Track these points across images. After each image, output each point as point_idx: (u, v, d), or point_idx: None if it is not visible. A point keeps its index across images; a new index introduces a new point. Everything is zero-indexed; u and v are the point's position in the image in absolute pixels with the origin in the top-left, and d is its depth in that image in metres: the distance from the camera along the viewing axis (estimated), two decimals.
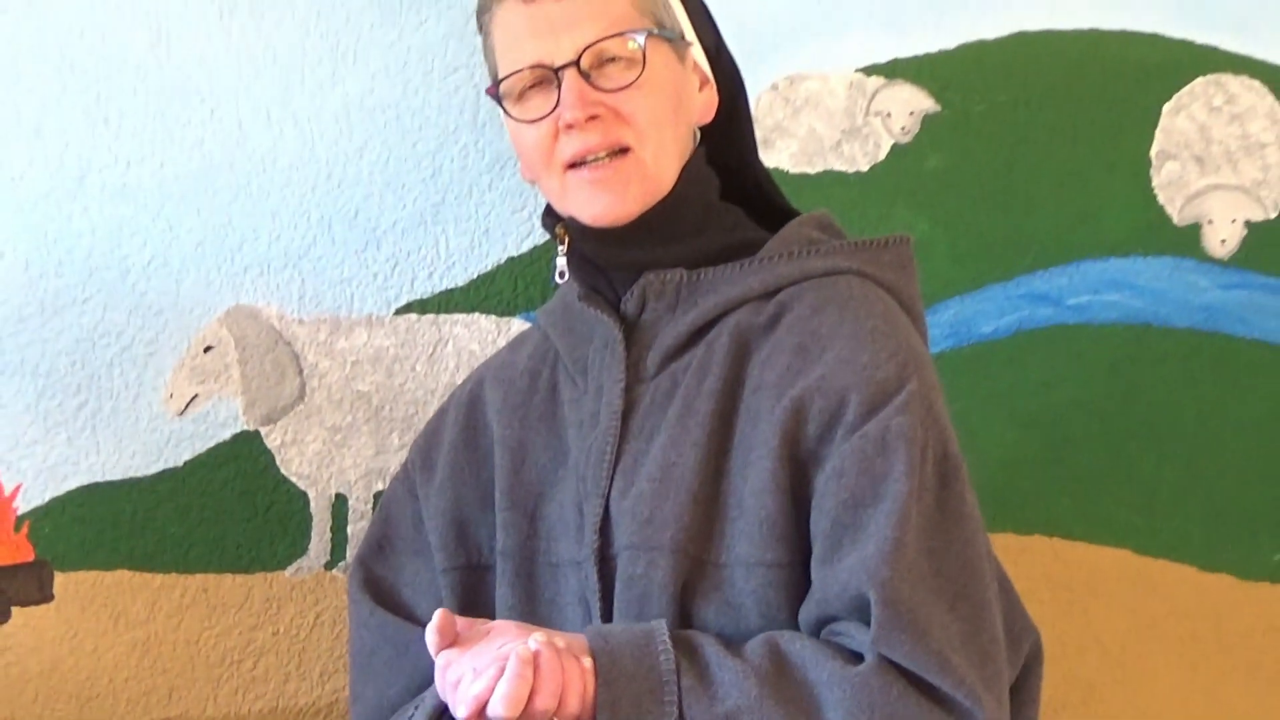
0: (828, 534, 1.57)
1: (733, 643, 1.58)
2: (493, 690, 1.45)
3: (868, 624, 1.53)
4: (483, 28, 1.76)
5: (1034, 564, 2.28)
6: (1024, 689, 1.76)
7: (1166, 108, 2.31)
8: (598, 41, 1.65)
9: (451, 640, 1.52)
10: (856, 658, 1.53)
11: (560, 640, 1.52)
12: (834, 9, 2.26)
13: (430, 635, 1.52)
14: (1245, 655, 2.35)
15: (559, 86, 1.66)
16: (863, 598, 1.52)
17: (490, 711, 1.46)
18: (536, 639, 1.49)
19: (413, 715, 1.67)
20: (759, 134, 2.04)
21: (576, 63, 1.65)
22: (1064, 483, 2.32)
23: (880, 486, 1.55)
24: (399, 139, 2.18)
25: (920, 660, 1.50)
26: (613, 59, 1.67)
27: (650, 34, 1.68)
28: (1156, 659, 2.34)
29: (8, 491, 2.09)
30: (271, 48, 2.14)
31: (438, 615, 1.53)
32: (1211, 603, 2.34)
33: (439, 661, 1.52)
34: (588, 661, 1.52)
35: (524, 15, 1.68)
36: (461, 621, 1.56)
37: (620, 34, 1.66)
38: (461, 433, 1.84)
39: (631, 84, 1.66)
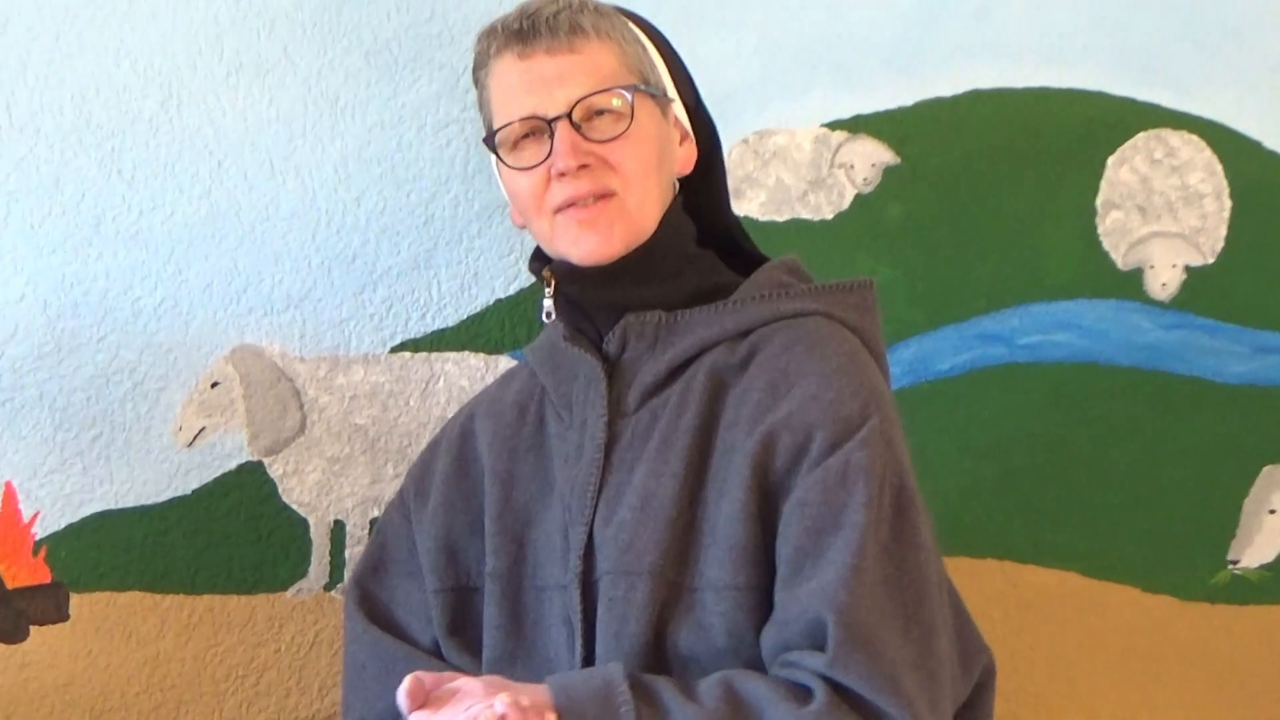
0: (790, 560, 1.59)
1: (688, 684, 1.59)
2: None
3: (822, 648, 1.54)
4: (478, 82, 1.79)
5: (987, 585, 2.29)
6: (977, 706, 1.78)
7: (1111, 160, 2.33)
8: (589, 96, 1.69)
9: (422, 702, 1.52)
10: (807, 694, 1.54)
11: (525, 699, 1.51)
12: (800, 69, 2.26)
13: (401, 698, 1.52)
14: (1184, 670, 2.36)
15: (551, 137, 1.69)
16: (820, 621, 1.53)
17: None
18: (502, 700, 1.48)
19: None
20: (731, 184, 2.06)
21: (569, 115, 1.69)
22: (1015, 509, 2.33)
23: (840, 516, 1.57)
24: (394, 189, 2.19)
25: (873, 681, 1.52)
26: (602, 112, 1.71)
27: (637, 90, 1.72)
28: (1101, 674, 2.34)
29: (26, 518, 2.10)
30: (275, 104, 2.15)
31: (408, 680, 1.53)
32: (1153, 622, 2.35)
33: None
34: (552, 718, 1.52)
35: (519, 70, 1.72)
36: (430, 679, 1.56)
37: (609, 89, 1.70)
38: (453, 463, 1.85)
39: (620, 136, 1.70)
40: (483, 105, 1.79)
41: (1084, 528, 2.34)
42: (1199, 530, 2.37)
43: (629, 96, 1.70)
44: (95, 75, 2.10)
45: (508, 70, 1.73)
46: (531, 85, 1.71)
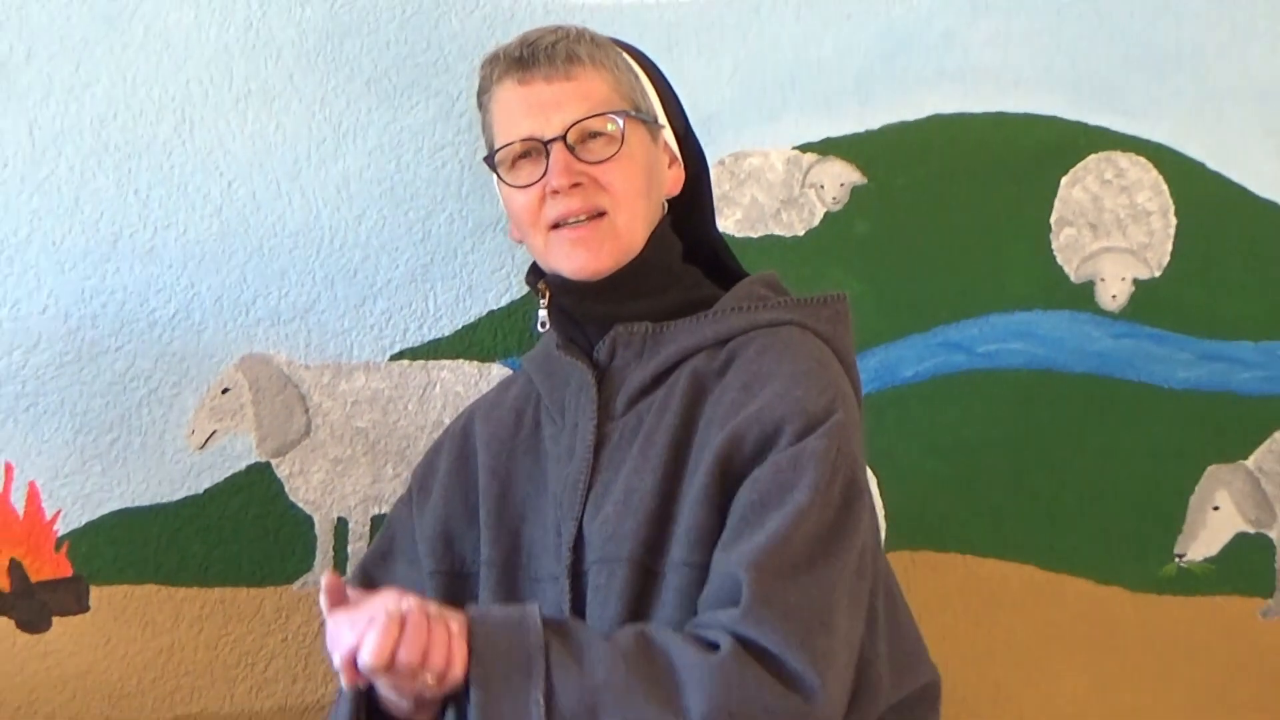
0: (733, 527, 1.62)
1: (604, 632, 1.61)
2: (361, 643, 1.48)
3: (735, 603, 1.56)
4: (482, 106, 1.83)
5: (949, 578, 2.33)
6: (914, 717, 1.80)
7: (1064, 180, 2.37)
8: (583, 120, 1.74)
9: (340, 602, 1.54)
10: (714, 646, 1.55)
11: (434, 608, 1.54)
12: (774, 95, 2.30)
13: (321, 597, 1.54)
14: (1135, 657, 2.39)
15: (547, 157, 1.73)
16: (738, 579, 1.56)
17: (359, 661, 1.49)
18: (408, 602, 1.51)
19: (339, 694, 1.69)
20: None
21: (563, 137, 1.73)
22: (976, 507, 2.36)
23: (785, 494, 1.61)
24: (393, 208, 2.21)
25: (781, 636, 1.53)
26: (595, 135, 1.75)
27: (628, 115, 1.76)
28: (1057, 662, 2.38)
29: (49, 515, 2.13)
30: (281, 128, 2.18)
31: (326, 576, 1.55)
32: (1106, 612, 2.38)
33: (328, 622, 1.54)
34: (455, 625, 1.53)
35: (519, 95, 1.76)
36: (354, 593, 1.56)
37: (602, 114, 1.75)
38: (454, 461, 1.88)
39: (611, 158, 1.74)
40: (485, 127, 1.83)
41: (1041, 524, 2.37)
42: (1148, 526, 2.40)
43: (620, 121, 1.75)
44: (113, 101, 2.13)
45: (508, 95, 1.77)
46: (530, 109, 1.75)
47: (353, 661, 1.50)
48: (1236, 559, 2.43)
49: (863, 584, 1.67)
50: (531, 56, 1.76)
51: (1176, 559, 2.42)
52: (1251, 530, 2.43)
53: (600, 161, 1.74)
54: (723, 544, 1.63)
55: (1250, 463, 2.43)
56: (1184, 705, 2.42)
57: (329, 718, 1.80)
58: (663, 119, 1.84)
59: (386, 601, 1.52)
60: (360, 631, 1.49)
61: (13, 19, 2.10)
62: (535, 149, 1.75)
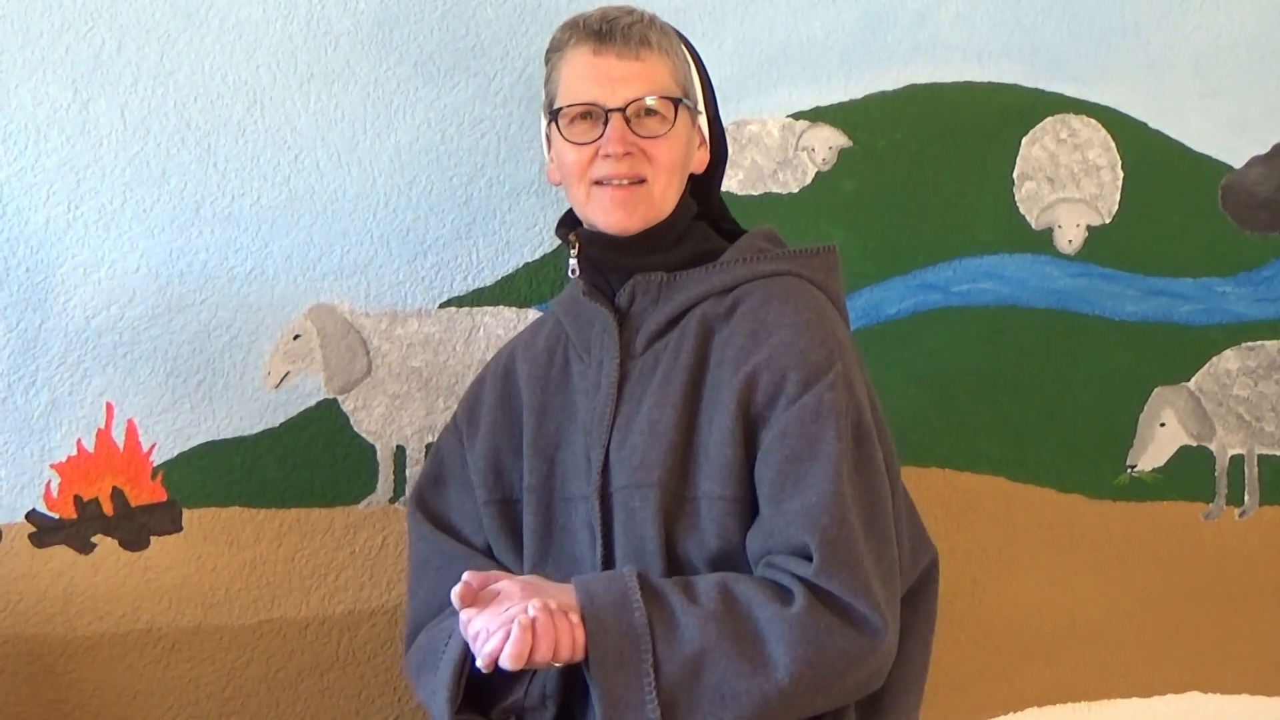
0: (773, 481, 1.68)
1: (689, 584, 1.65)
2: (502, 648, 1.56)
3: (805, 558, 1.63)
4: (550, 62, 1.86)
5: (930, 489, 2.36)
6: (925, 593, 1.88)
7: (1024, 140, 2.41)
8: (643, 98, 1.79)
9: (471, 602, 1.62)
10: (788, 595, 1.62)
11: (553, 602, 1.59)
12: (769, 69, 2.33)
13: (454, 598, 1.61)
14: (1093, 556, 2.45)
15: (605, 123, 1.78)
16: (805, 540, 1.63)
17: (501, 664, 1.56)
18: (534, 605, 1.57)
19: (447, 642, 1.73)
20: None
21: (624, 109, 1.78)
22: (952, 427, 2.40)
23: (816, 446, 1.67)
24: (439, 174, 2.24)
25: (850, 587, 1.61)
26: (650, 113, 1.79)
27: (680, 102, 1.81)
28: (1025, 560, 2.43)
29: (145, 448, 2.17)
30: (340, 107, 2.20)
31: (460, 585, 1.61)
32: (1066, 517, 2.44)
33: (462, 617, 1.62)
34: (575, 617, 1.60)
35: (592, 64, 1.80)
36: (477, 580, 1.63)
37: (660, 97, 1.80)
38: (499, 397, 1.93)
39: (661, 135, 1.80)
40: (549, 80, 1.85)
41: (1009, 440, 2.42)
42: (1103, 441, 2.45)
43: (674, 106, 1.80)
44: (193, 86, 2.16)
45: (582, 61, 1.80)
46: (599, 79, 1.79)
47: (495, 662, 1.58)
48: (1181, 469, 2.48)
49: (891, 504, 1.75)
50: (609, 32, 1.80)
51: (1129, 469, 2.47)
52: (1194, 443, 2.48)
53: (651, 136, 1.79)
54: (769, 497, 1.68)
55: (1192, 384, 2.48)
56: (1135, 597, 2.47)
57: (413, 639, 1.87)
58: (700, 105, 1.89)
59: (517, 606, 1.59)
60: (500, 639, 1.57)
61: (104, 16, 2.14)
62: (596, 113, 1.79)
